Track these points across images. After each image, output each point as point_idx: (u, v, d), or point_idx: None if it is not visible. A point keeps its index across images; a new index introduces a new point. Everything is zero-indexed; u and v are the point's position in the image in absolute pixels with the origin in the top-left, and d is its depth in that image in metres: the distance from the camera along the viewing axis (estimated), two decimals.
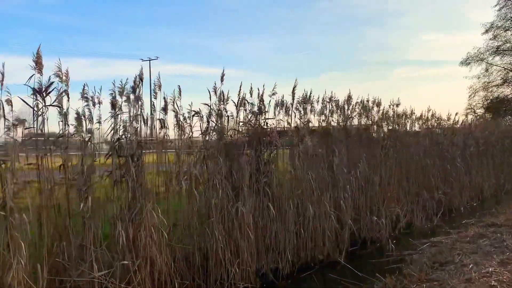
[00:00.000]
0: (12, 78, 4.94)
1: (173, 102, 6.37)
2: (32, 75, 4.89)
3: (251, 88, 7.20)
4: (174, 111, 6.40)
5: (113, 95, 5.68)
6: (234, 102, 7.04)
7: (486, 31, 32.53)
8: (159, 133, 6.34)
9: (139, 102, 5.87)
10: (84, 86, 5.45)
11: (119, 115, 5.72)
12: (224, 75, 6.81)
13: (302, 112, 8.27)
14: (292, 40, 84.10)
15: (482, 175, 14.99)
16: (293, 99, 7.99)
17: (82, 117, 5.38)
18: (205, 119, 6.69)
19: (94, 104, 5.52)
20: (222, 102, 6.83)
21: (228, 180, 6.67)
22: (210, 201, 6.45)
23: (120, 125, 5.74)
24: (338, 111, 9.28)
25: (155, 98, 6.25)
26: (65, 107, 5.21)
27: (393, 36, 75.31)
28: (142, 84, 5.92)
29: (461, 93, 40.41)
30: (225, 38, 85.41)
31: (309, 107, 8.42)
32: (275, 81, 7.46)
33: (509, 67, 33.69)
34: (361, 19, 75.82)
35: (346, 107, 9.48)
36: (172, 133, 6.51)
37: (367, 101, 10.13)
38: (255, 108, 7.30)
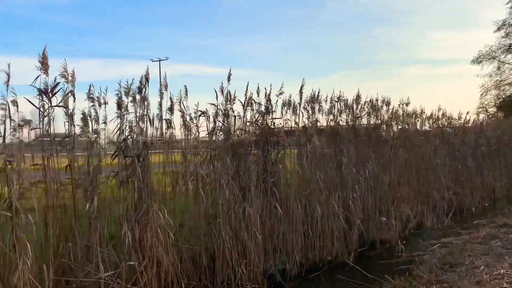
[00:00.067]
0: (22, 79, 4.97)
1: (180, 102, 6.35)
2: (38, 76, 4.91)
3: (258, 87, 7.17)
4: (180, 111, 6.37)
5: (119, 95, 5.67)
6: (241, 102, 7.00)
7: (498, 29, 32.14)
8: (166, 133, 6.32)
9: (145, 102, 5.85)
10: (90, 87, 5.46)
11: (125, 116, 5.71)
12: (230, 75, 6.78)
13: (310, 111, 8.20)
14: (301, 40, 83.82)
15: (494, 174, 14.75)
16: (300, 98, 7.93)
17: (88, 118, 5.38)
18: (211, 119, 6.65)
19: (100, 105, 5.53)
20: (229, 102, 6.80)
21: (235, 180, 6.63)
22: (217, 201, 6.42)
23: (126, 126, 5.72)
24: (347, 110, 9.18)
25: (162, 98, 6.24)
26: (71, 107, 5.21)
27: (404, 34, 74.63)
28: (148, 84, 5.91)
29: (472, 92, 39.89)
30: (234, 38, 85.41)
31: (317, 107, 8.36)
32: (284, 81, 7.39)
33: None
34: (370, 18, 75.25)
35: (354, 106, 9.38)
36: (178, 133, 6.49)
37: (376, 100, 10.02)
38: (262, 108, 7.25)
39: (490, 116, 28.61)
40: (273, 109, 7.39)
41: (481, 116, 25.53)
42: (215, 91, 6.69)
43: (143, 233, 5.54)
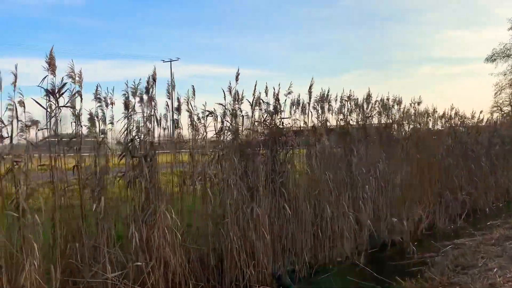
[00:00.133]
0: (33, 80, 4.98)
1: (187, 102, 6.32)
2: (45, 77, 4.91)
3: (266, 87, 7.12)
4: (188, 111, 6.35)
5: (126, 95, 5.66)
6: (249, 102, 6.96)
7: None
8: (173, 133, 6.30)
9: (152, 103, 5.83)
10: (97, 87, 5.46)
11: (132, 116, 5.70)
12: (239, 74, 6.73)
13: (319, 111, 8.13)
14: (312, 39, 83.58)
15: (508, 174, 14.47)
16: (309, 98, 7.86)
17: (95, 118, 5.38)
18: (219, 119, 6.62)
19: (107, 105, 5.52)
20: (236, 102, 6.75)
21: (243, 180, 6.59)
22: (225, 201, 6.38)
23: (133, 126, 5.71)
24: (357, 110, 9.09)
25: (171, 99, 6.22)
26: (78, 108, 5.22)
27: (417, 33, 73.90)
28: (155, 85, 5.89)
29: (487, 90, 39.20)
30: (246, 38, 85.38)
31: (326, 106, 8.28)
32: (295, 81, 7.35)
33: None
34: (383, 17, 74.60)
35: (365, 105, 9.27)
36: (186, 133, 6.47)
37: (387, 99, 9.90)
38: (271, 108, 7.20)
39: (504, 115, 28.13)
40: (282, 109, 7.34)
41: (495, 115, 25.11)
42: (223, 91, 6.66)
43: (150, 234, 5.52)
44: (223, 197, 6.45)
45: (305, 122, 7.88)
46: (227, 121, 6.70)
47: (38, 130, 4.89)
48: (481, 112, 14.02)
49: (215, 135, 6.66)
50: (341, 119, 8.68)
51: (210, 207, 6.35)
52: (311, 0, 78.61)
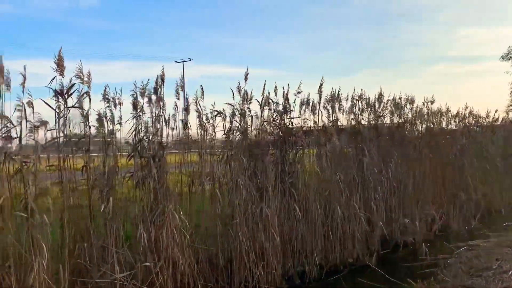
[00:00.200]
0: (43, 81, 5.01)
1: (196, 103, 6.30)
2: (54, 77, 4.93)
3: (276, 87, 7.05)
4: (196, 111, 6.33)
5: (135, 96, 5.66)
6: (258, 102, 6.91)
7: None
8: (182, 133, 6.28)
9: (161, 103, 5.82)
10: (105, 88, 5.47)
11: (141, 116, 5.70)
12: (247, 74, 6.70)
13: (330, 110, 8.05)
14: (325, 38, 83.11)
15: None
16: (320, 97, 7.79)
17: (104, 118, 5.39)
18: (228, 119, 6.58)
19: (115, 105, 5.53)
20: (245, 102, 6.71)
21: (252, 180, 6.54)
22: (234, 202, 6.34)
23: (142, 126, 5.71)
24: (369, 109, 8.98)
25: (178, 99, 6.21)
26: (86, 108, 5.23)
27: (431, 31, 72.94)
28: (163, 85, 5.88)
29: (502, 89, 38.48)
30: (258, 38, 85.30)
31: (337, 106, 8.20)
32: (307, 80, 7.28)
33: None
34: (396, 15, 73.81)
35: (377, 105, 9.16)
36: (195, 133, 6.45)
37: (400, 98, 9.77)
38: (280, 107, 7.14)
39: None
40: (291, 109, 7.28)
41: (511, 114, 24.62)
42: (232, 91, 6.63)
43: (159, 234, 5.51)
44: (232, 197, 6.41)
45: (315, 122, 7.81)
46: (236, 121, 6.66)
47: (47, 130, 4.91)
48: (496, 111, 13.75)
49: (223, 135, 6.63)
50: (352, 119, 8.58)
51: (219, 208, 6.32)
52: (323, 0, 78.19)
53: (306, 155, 7.63)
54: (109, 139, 5.44)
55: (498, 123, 13.88)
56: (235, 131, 6.64)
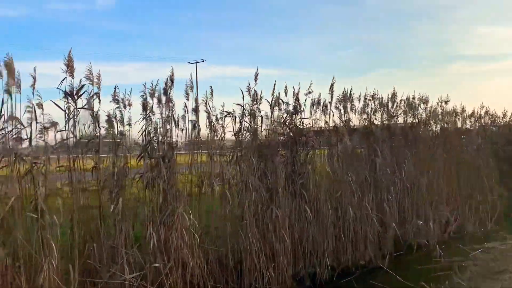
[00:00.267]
0: (53, 82, 5.05)
1: (205, 103, 6.29)
2: (64, 79, 4.96)
3: (286, 87, 7.02)
4: (206, 112, 6.32)
5: (144, 97, 5.67)
6: (268, 102, 6.87)
7: None
8: (191, 134, 6.28)
9: (170, 104, 5.82)
10: (115, 89, 5.49)
11: (150, 117, 5.70)
12: (257, 74, 6.68)
13: (342, 110, 7.97)
14: (340, 38, 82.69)
15: None
16: (331, 97, 7.72)
17: (113, 119, 5.40)
18: (237, 119, 6.55)
19: (125, 106, 5.54)
20: (255, 102, 6.68)
21: (262, 181, 6.50)
22: (244, 202, 6.31)
23: (151, 127, 5.72)
24: (382, 109, 8.86)
25: (187, 100, 6.21)
26: (96, 109, 5.25)
27: (447, 30, 71.99)
28: (173, 86, 5.88)
29: None
30: (272, 38, 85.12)
31: (349, 106, 8.11)
32: (321, 80, 7.22)
33: None
34: (412, 14, 73.10)
35: (390, 105, 9.04)
36: (204, 134, 6.44)
37: (413, 98, 9.63)
38: (290, 108, 7.09)
39: None
40: (302, 109, 7.22)
41: None
42: (241, 91, 6.60)
43: (168, 235, 5.51)
44: (242, 198, 6.38)
45: (326, 122, 7.73)
46: (246, 122, 6.63)
47: (57, 131, 4.94)
48: None
49: (233, 136, 6.60)
50: (364, 119, 8.48)
51: (229, 208, 6.30)
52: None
53: (317, 156, 7.56)
54: (118, 140, 5.44)
55: None
56: (244, 132, 6.61)
